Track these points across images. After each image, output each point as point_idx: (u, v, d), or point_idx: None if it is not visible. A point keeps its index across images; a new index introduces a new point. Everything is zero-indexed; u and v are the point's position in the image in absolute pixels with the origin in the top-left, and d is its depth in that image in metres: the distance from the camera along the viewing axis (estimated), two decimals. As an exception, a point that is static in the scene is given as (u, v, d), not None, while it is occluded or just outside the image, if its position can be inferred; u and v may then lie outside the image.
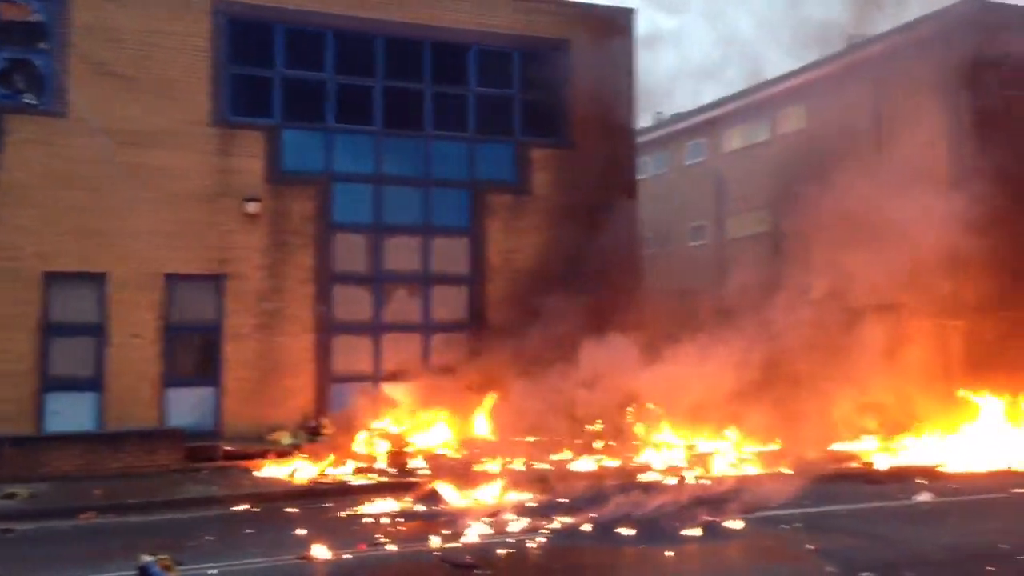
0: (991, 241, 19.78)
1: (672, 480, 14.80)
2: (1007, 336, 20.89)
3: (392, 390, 19.31)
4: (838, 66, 26.21)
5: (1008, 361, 20.03)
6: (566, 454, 16.91)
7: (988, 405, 18.91)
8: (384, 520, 11.87)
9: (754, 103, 30.10)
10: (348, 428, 17.76)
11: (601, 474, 15.61)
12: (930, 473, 15.53)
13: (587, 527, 11.01)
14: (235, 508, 13.19)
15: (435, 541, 10.23)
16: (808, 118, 27.56)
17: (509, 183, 21.29)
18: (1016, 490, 13.57)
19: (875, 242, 18.90)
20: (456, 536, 10.49)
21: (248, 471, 16.13)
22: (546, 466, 15.99)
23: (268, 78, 19.71)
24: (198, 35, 19.06)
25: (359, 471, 15.98)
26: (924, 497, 13.04)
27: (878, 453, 17.41)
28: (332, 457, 16.29)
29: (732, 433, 17.83)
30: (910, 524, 11.18)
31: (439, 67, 20.92)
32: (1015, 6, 23.42)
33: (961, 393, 19.24)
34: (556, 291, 18.97)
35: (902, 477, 15.15)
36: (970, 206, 18.68)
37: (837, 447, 17.53)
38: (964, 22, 22.55)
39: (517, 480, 14.28)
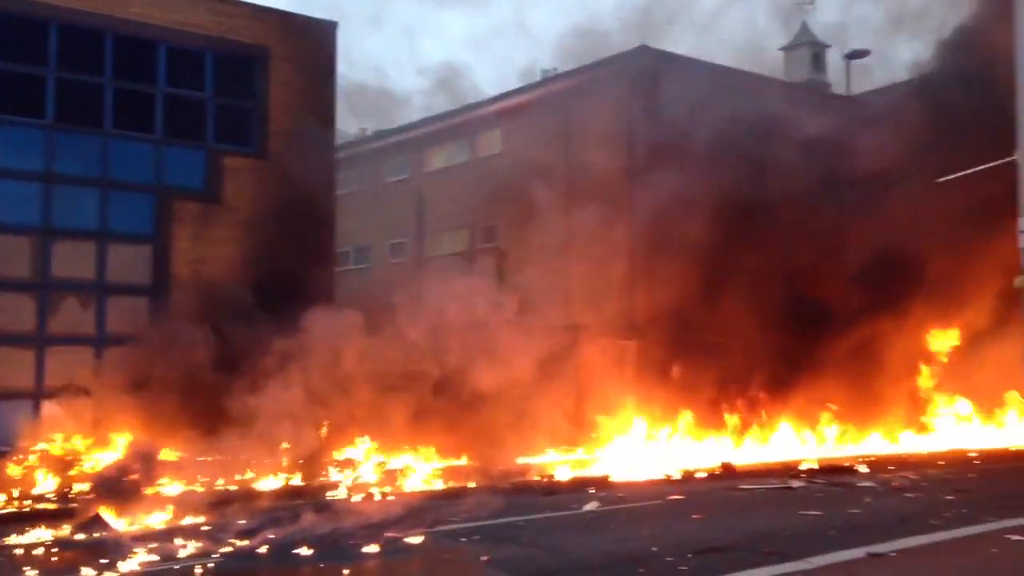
0: (659, 268, 21.64)
1: (359, 498, 14.71)
2: (672, 355, 22.88)
3: (57, 408, 17.63)
4: (531, 96, 27.63)
5: (672, 377, 22.03)
6: (251, 474, 16.27)
7: (654, 417, 20.60)
8: (36, 551, 10.76)
9: (455, 125, 30.95)
10: (1, 451, 16.02)
11: (286, 494, 15.22)
12: (601, 483, 16.60)
13: (263, 549, 10.61)
14: None
15: (89, 572, 9.39)
16: (504, 143, 28.77)
17: (199, 191, 20.23)
18: (672, 497, 14.79)
19: (561, 267, 20.02)
20: (115, 565, 9.70)
21: None
22: (229, 487, 15.31)
23: (-88, 56, 17.45)
24: None
25: (13, 498, 14.44)
26: (593, 506, 13.84)
27: (558, 465, 18.36)
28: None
29: (422, 449, 18.04)
30: (578, 532, 11.81)
31: (123, 62, 19.49)
32: (688, 58, 25.84)
33: (631, 406, 20.82)
34: (248, 305, 18.31)
35: (577, 487, 16.05)
36: (642, 238, 20.32)
37: (522, 460, 18.25)
38: (637, 69, 24.60)
39: (194, 502, 13.52)
